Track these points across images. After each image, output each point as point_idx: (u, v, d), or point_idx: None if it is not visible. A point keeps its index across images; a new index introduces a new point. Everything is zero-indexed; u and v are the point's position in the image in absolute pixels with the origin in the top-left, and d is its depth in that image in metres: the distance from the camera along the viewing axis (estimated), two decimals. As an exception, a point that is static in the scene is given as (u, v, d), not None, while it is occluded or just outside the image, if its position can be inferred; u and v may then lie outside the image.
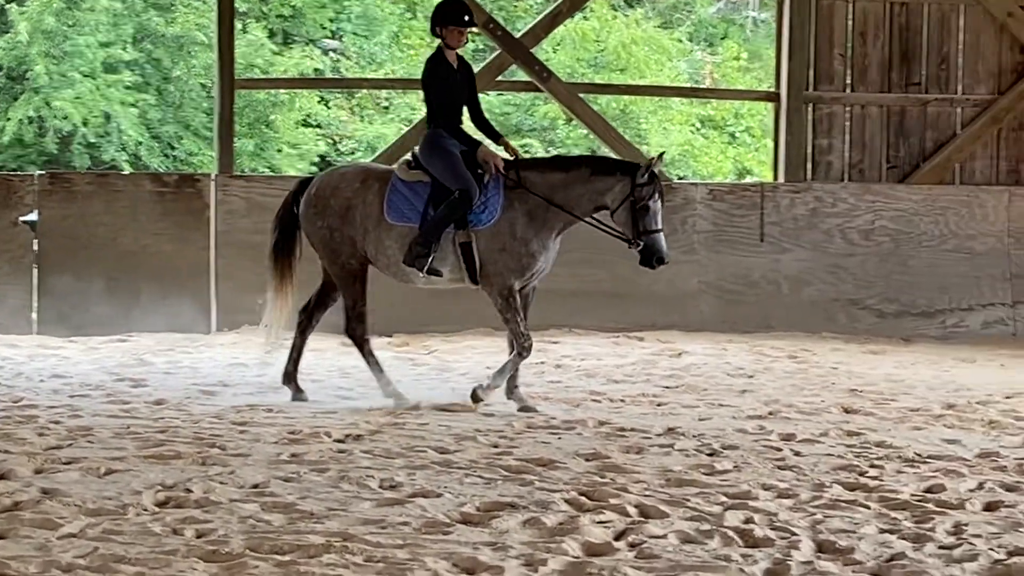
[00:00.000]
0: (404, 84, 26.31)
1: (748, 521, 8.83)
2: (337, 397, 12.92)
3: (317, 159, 27.28)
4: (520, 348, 12.27)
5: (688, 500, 9.30)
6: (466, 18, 12.35)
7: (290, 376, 12.65)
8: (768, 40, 24.09)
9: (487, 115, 12.71)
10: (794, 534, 8.58)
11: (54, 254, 16.77)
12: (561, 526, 8.62)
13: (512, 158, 12.39)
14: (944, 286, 17.45)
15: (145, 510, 8.73)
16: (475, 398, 12.14)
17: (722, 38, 30.20)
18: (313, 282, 12.88)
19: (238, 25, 21.20)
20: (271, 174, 25.25)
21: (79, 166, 25.99)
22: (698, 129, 27.85)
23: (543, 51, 20.83)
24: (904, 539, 8.55)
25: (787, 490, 9.65)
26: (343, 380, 13.83)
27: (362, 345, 12.55)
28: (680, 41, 29.36)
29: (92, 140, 26.61)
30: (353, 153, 26.43)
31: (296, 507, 8.82)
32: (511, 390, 12.34)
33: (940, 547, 8.41)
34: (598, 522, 8.73)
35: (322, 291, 12.82)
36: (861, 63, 17.86)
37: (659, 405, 12.67)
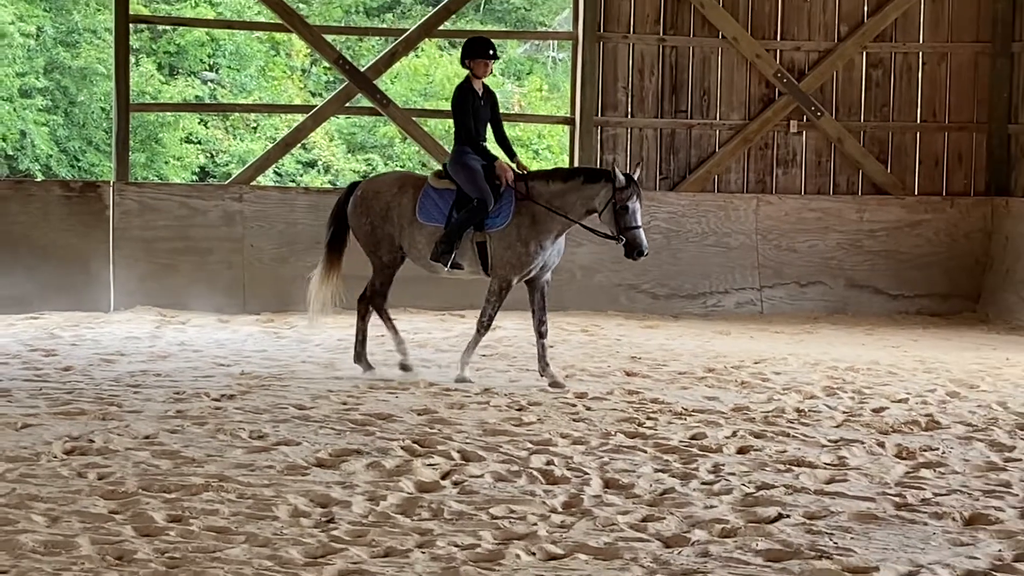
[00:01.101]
0: (269, 108, 26.20)
1: (549, 463, 8.89)
2: (214, 364, 12.79)
3: (197, 169, 26.99)
4: (480, 326, 12.11)
5: (501, 447, 9.34)
6: (490, 52, 12.10)
7: (359, 356, 12.37)
8: (564, 75, 24.20)
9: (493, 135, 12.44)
10: (586, 473, 8.65)
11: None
12: (398, 468, 8.63)
13: (523, 172, 12.09)
14: (706, 273, 17.61)
15: (55, 457, 8.64)
16: (460, 380, 11.88)
17: (528, 73, 30.25)
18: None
19: (132, 59, 20.90)
20: (159, 181, 24.94)
21: (-1, 175, 25.64)
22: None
23: (383, 83, 20.73)
24: (674, 477, 8.65)
25: (580, 438, 9.71)
26: (219, 350, 13.70)
27: (365, 316, 12.33)
28: (494, 75, 29.34)
29: (10, 153, 26.22)
30: (227, 165, 26.14)
31: (180, 454, 8.78)
32: (543, 369, 11.96)
33: (703, 483, 8.51)
34: (428, 465, 8.76)
35: (379, 286, 12.49)
36: (639, 94, 17.96)
37: (478, 370, 12.66)
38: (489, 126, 12.26)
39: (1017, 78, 18.23)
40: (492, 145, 12.34)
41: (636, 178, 11.78)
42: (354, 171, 26.82)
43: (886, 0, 18.06)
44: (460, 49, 12.49)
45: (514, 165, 12.10)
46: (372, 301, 12.33)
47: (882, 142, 18.34)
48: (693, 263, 17.60)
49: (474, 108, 12.05)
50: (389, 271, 12.37)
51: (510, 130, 27.77)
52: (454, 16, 19.82)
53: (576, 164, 17.86)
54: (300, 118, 18.21)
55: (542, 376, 11.94)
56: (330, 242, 12.52)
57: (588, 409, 10.84)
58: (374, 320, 12.42)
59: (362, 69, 17.96)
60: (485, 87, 12.24)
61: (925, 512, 7.85)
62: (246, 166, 18.80)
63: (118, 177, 17.03)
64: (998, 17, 18.19)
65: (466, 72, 12.23)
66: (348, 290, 12.60)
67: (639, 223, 11.70)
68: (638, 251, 11.72)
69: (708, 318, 17.12)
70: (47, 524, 7.05)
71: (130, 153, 17.61)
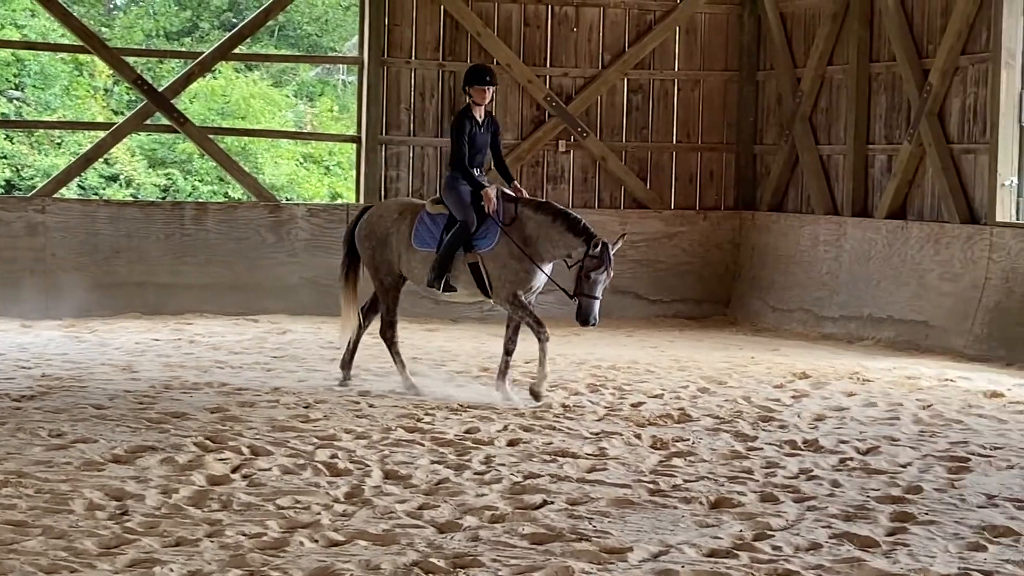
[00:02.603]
0: (71, 126, 25.61)
1: (333, 457, 8.87)
2: (16, 367, 12.48)
3: (3, 183, 26.29)
4: (539, 336, 11.13)
5: (288, 442, 9.29)
6: (488, 79, 11.52)
7: (346, 363, 11.96)
8: (353, 97, 24.06)
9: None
10: (367, 466, 8.65)
11: None
12: (190, 463, 8.54)
13: (516, 196, 11.46)
14: (482, 281, 17.65)
15: None
16: (535, 395, 11.10)
17: (319, 95, 30.03)
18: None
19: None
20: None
21: None
22: (301, 163, 27.68)
23: (182, 102, 20.43)
24: (449, 468, 8.69)
25: (363, 433, 9.71)
26: (21, 354, 13.35)
27: (391, 346, 11.83)
28: (288, 96, 29.13)
29: None
30: (32, 179, 25.50)
31: (-19, 452, 8.58)
32: (499, 385, 11.42)
33: (475, 473, 8.56)
34: (219, 459, 8.68)
35: (373, 300, 12.08)
36: (421, 115, 17.96)
37: (268, 371, 12.59)
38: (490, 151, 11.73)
39: (762, 103, 18.67)
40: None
41: (612, 251, 10.98)
42: (154, 184, 26.39)
43: (645, 31, 18.36)
44: (463, 76, 11.81)
45: (509, 190, 11.56)
46: (384, 336, 11.87)
47: (642, 160, 18.61)
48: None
49: (470, 135, 11.44)
50: (393, 294, 11.88)
51: (301, 148, 27.83)
52: (249, 40, 19.62)
53: (362, 180, 17.82)
54: (102, 134, 17.87)
55: (497, 390, 11.38)
56: (344, 263, 12.09)
57: (371, 406, 10.82)
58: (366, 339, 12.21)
59: (160, 89, 17.69)
60: (488, 114, 11.68)
61: (675, 497, 8.00)
62: (49, 179, 18.40)
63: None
64: (744, 48, 18.62)
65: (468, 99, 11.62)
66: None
67: (597, 295, 10.95)
68: (583, 320, 10.98)
69: (484, 322, 17.15)
70: None
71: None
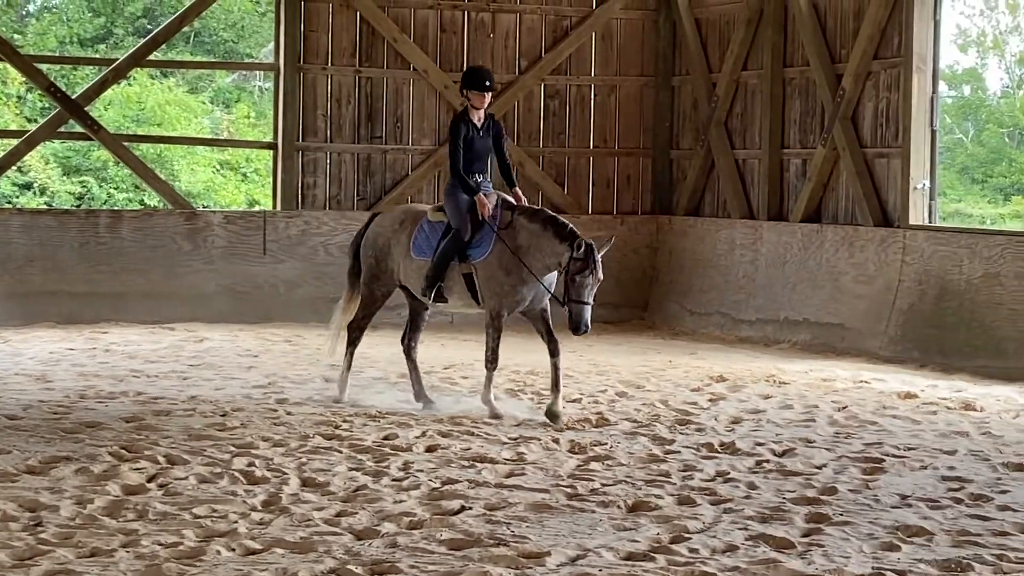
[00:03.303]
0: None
1: (251, 464, 8.83)
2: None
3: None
4: (487, 362, 10.92)
5: (205, 450, 9.24)
6: (487, 83, 10.96)
7: (419, 395, 11.34)
8: (270, 103, 23.97)
9: None
10: (285, 473, 8.62)
11: None
12: (105, 472, 8.47)
13: (517, 202, 10.98)
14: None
15: None
16: (493, 416, 10.71)
17: (236, 101, 29.93)
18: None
19: None
20: None
21: None
22: (218, 170, 27.55)
23: (96, 110, 20.31)
24: (367, 474, 8.68)
25: (281, 440, 9.67)
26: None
27: (350, 344, 11.57)
28: (204, 103, 29.01)
29: None
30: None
31: None
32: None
33: (393, 479, 8.55)
34: (134, 469, 8.62)
35: (411, 319, 11.65)
36: (337, 121, 17.90)
37: (185, 379, 12.50)
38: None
39: (678, 108, 18.78)
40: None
41: (599, 255, 10.46)
42: (69, 192, 26.19)
43: (561, 37, 18.42)
44: (461, 78, 11.31)
45: (510, 197, 11.09)
46: (350, 329, 11.61)
47: (559, 166, 18.66)
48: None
49: (468, 139, 10.95)
50: (379, 304, 11.60)
51: (218, 155, 27.68)
52: (164, 46, 19.48)
53: (279, 186, 17.73)
54: (15, 142, 17.68)
55: (553, 403, 10.71)
56: (350, 270, 11.78)
57: (288, 414, 10.77)
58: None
59: (74, 96, 17.53)
60: (489, 116, 11.16)
61: (593, 501, 8.03)
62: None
63: None
64: (660, 54, 18.72)
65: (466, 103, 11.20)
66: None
67: (586, 300, 10.38)
68: (574, 327, 10.44)
69: (402, 327, 17.07)
70: None
71: None
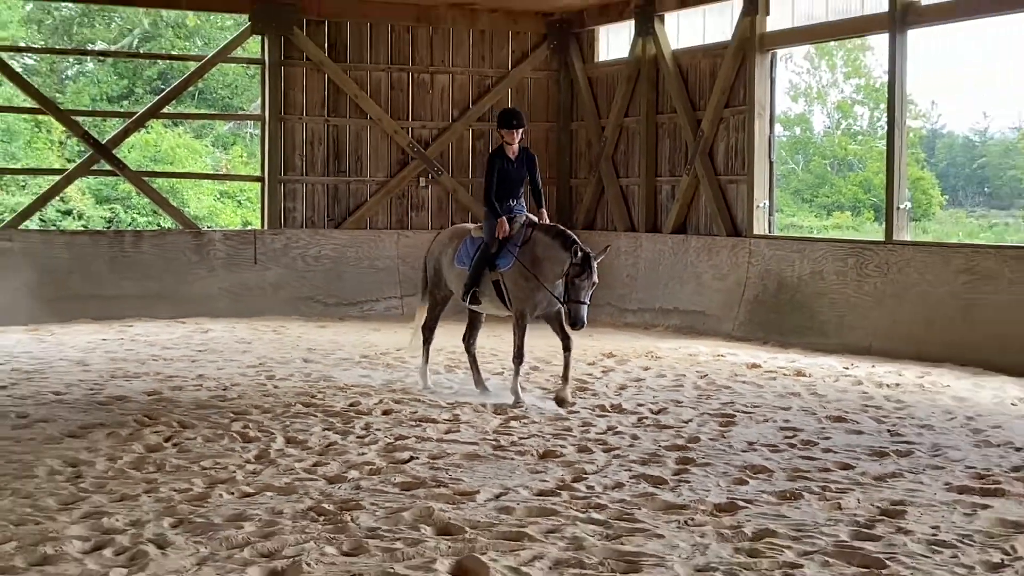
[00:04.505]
0: (33, 172, 24.69)
1: (245, 427, 8.78)
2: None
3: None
4: (514, 357, 10.13)
5: (210, 417, 9.17)
6: (514, 122, 10.20)
7: (478, 382, 10.71)
8: (258, 146, 23.79)
9: None
10: (272, 434, 8.57)
11: None
12: (131, 435, 8.40)
13: (536, 220, 10.24)
14: (362, 288, 17.58)
15: None
16: (517, 403, 9.88)
17: (232, 144, 29.67)
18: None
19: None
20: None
21: None
22: (219, 198, 27.35)
23: (122, 152, 20.05)
24: (337, 433, 8.64)
25: (269, 408, 9.60)
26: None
27: (425, 343, 10.99)
28: (207, 146, 28.76)
29: None
30: (2, 214, 24.81)
31: (-38, 432, 8.34)
32: (562, 386, 9.94)
33: (357, 436, 8.53)
34: (154, 432, 8.54)
35: (470, 322, 11.01)
36: (311, 160, 17.82)
37: (193, 362, 12.39)
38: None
39: (575, 147, 18.84)
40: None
41: (596, 261, 9.70)
42: (101, 217, 25.83)
43: (484, 92, 18.43)
44: (496, 120, 10.48)
45: (534, 217, 10.34)
46: (423, 334, 11.00)
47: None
48: (353, 280, 17.58)
49: (501, 171, 10.24)
50: (440, 308, 11.04)
51: (218, 186, 27.43)
52: (175, 102, 19.27)
53: (266, 210, 17.62)
54: (57, 178, 17.45)
55: (561, 390, 9.91)
56: (423, 280, 11.20)
57: (275, 387, 10.71)
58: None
59: (103, 141, 17.33)
60: (524, 150, 10.41)
61: (512, 451, 8.05)
62: (15, 215, 17.93)
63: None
64: (561, 105, 18.78)
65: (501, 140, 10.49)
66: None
67: (582, 300, 9.59)
68: (572, 323, 9.65)
69: (364, 319, 17.11)
70: None
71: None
